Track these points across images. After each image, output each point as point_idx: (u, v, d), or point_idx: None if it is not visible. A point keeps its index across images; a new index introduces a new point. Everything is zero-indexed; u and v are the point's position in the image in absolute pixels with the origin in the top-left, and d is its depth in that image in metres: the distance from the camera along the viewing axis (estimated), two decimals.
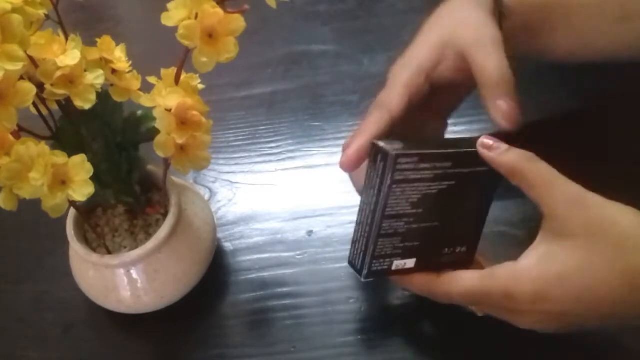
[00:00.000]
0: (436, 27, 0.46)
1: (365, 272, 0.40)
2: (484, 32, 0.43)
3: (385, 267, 0.41)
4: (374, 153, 0.39)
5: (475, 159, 0.39)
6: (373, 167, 0.39)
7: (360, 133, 0.42)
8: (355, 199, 0.53)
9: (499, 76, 0.41)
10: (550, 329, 0.38)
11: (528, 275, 0.36)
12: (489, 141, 0.39)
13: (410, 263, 0.41)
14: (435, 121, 0.48)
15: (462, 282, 0.39)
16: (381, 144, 0.38)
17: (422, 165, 0.38)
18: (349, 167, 0.41)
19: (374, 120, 0.42)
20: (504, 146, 0.38)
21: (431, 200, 0.40)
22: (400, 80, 0.44)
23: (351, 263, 0.42)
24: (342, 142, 0.57)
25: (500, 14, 0.46)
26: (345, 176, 0.55)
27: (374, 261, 0.40)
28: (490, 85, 0.41)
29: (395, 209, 0.39)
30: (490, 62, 0.41)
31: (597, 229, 0.35)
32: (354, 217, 0.52)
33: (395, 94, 0.43)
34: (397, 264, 0.41)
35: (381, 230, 0.39)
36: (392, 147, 0.38)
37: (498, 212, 0.50)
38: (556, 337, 0.39)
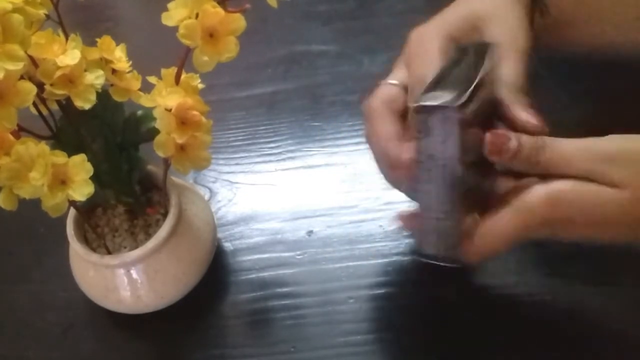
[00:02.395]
0: (473, 1, 0.44)
1: (449, 254, 0.38)
2: (517, 37, 0.41)
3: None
4: (424, 117, 0.36)
5: None
6: (427, 132, 0.36)
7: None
8: (355, 199, 0.54)
9: (518, 89, 0.40)
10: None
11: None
12: (495, 141, 0.36)
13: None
14: None
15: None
16: (427, 103, 0.35)
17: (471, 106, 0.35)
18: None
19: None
20: (511, 143, 0.36)
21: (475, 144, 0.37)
22: (433, 46, 0.41)
23: (426, 255, 0.39)
24: (342, 142, 0.58)
25: (540, 11, 0.45)
26: (345, 176, 0.55)
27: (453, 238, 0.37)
28: (511, 96, 0.40)
29: (465, 162, 0.36)
30: (514, 74, 0.40)
31: None
32: (354, 217, 0.52)
33: (432, 60, 0.40)
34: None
35: (458, 201, 0.36)
36: (441, 100, 0.35)
37: None
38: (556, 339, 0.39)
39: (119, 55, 0.40)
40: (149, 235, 0.46)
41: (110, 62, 0.39)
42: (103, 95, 0.39)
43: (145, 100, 0.38)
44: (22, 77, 0.34)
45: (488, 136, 0.36)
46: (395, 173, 0.40)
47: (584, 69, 0.50)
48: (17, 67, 0.32)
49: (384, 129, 0.40)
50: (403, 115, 0.42)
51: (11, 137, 0.35)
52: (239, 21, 0.35)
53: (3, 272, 0.53)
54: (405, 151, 0.38)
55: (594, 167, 0.35)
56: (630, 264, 0.45)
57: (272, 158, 0.58)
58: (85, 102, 0.36)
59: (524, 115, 0.38)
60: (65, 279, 0.48)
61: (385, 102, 0.42)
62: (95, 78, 0.37)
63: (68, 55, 0.36)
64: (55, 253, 0.52)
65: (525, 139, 0.36)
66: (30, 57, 0.36)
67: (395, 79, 0.43)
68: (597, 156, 0.35)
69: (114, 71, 0.39)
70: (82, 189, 0.36)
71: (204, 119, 0.37)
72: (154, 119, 0.37)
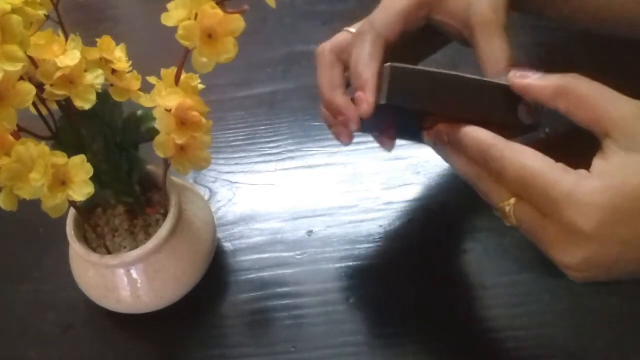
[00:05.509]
0: None
1: None
2: (498, 16, 0.41)
3: None
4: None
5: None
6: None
7: (368, 67, 0.39)
8: (355, 199, 0.54)
9: (504, 67, 0.40)
10: (597, 274, 0.32)
11: (604, 185, 0.31)
12: (521, 72, 0.35)
13: None
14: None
15: (533, 157, 0.33)
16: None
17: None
18: (369, 112, 0.38)
19: (375, 46, 0.40)
20: (538, 74, 0.35)
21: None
22: (398, 4, 0.41)
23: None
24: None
25: None
26: (345, 176, 0.55)
27: None
28: (496, 74, 0.40)
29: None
30: (497, 52, 0.40)
31: None
32: (354, 217, 0.52)
33: (391, 17, 0.41)
34: None
35: None
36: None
37: None
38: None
39: (119, 56, 0.40)
40: (149, 235, 0.46)
41: (110, 62, 0.39)
42: (103, 96, 0.39)
43: (145, 101, 0.38)
44: (21, 78, 0.34)
45: (514, 67, 0.36)
46: (343, 119, 0.41)
47: (584, 67, 0.49)
48: (17, 68, 0.32)
49: (332, 76, 0.42)
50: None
51: (11, 138, 0.35)
52: (238, 22, 0.35)
53: (3, 272, 0.53)
54: (340, 100, 0.40)
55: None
56: None
57: (272, 158, 0.58)
58: (85, 103, 0.36)
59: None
60: (65, 279, 0.48)
61: (335, 50, 0.43)
62: (95, 78, 0.37)
63: (68, 55, 0.36)
64: (55, 253, 0.52)
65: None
66: (30, 58, 0.36)
67: (355, 27, 0.43)
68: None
69: (114, 71, 0.39)
70: (82, 190, 0.36)
71: (204, 120, 0.37)
72: (154, 119, 0.37)
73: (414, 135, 0.41)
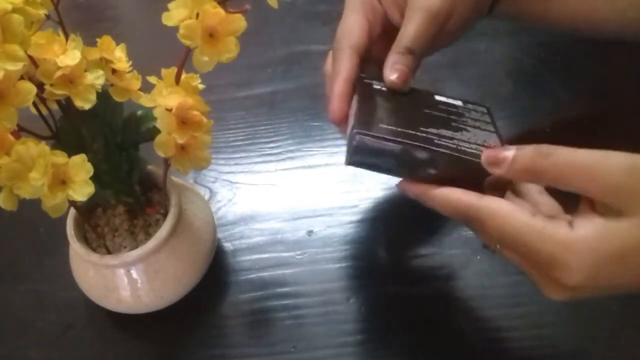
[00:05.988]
0: None
1: None
2: (431, 3, 0.42)
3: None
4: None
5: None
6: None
7: (334, 79, 0.42)
8: (355, 199, 0.54)
9: (410, 46, 0.42)
10: (582, 297, 0.34)
11: (587, 247, 0.32)
12: (492, 154, 0.34)
13: None
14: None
15: (512, 215, 0.33)
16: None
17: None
18: (340, 116, 0.41)
19: (343, 61, 0.42)
20: (508, 153, 0.34)
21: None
22: (354, 10, 0.44)
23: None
24: (342, 142, 0.58)
25: None
26: (345, 176, 0.55)
27: None
28: (399, 51, 0.42)
29: None
30: (413, 35, 0.42)
31: None
32: (354, 217, 0.52)
33: (352, 25, 0.44)
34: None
35: None
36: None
37: None
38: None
39: (119, 55, 0.40)
40: (149, 235, 0.46)
41: (110, 62, 0.39)
42: (103, 95, 0.39)
43: (145, 100, 0.38)
44: (22, 77, 0.34)
45: (485, 152, 0.35)
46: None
47: (585, 67, 0.50)
48: (17, 67, 0.32)
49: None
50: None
51: (11, 137, 0.35)
52: (239, 21, 0.35)
53: (3, 272, 0.53)
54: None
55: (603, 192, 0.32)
56: None
57: (272, 158, 0.58)
58: (85, 102, 0.36)
59: (387, 72, 0.41)
60: (65, 279, 0.48)
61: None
62: (95, 78, 0.37)
63: (68, 55, 0.36)
64: (55, 253, 0.52)
65: (528, 148, 0.33)
66: (31, 57, 0.36)
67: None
68: (605, 182, 0.32)
69: (114, 71, 0.39)
70: (82, 189, 0.36)
71: (204, 119, 0.37)
72: (154, 119, 0.37)
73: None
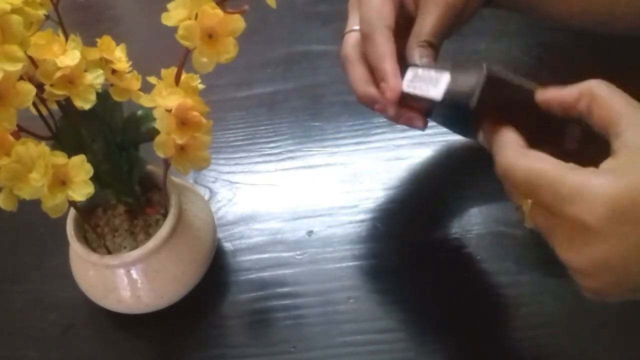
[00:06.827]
0: None
1: None
2: None
3: None
4: None
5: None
6: None
7: (383, 59, 0.43)
8: (355, 199, 0.54)
9: (430, 40, 0.43)
10: (604, 262, 0.31)
11: (611, 178, 0.31)
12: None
13: None
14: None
15: (540, 159, 0.33)
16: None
17: None
18: (398, 94, 0.42)
19: (383, 42, 0.43)
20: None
21: None
22: None
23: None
24: (342, 142, 0.58)
25: None
26: (345, 176, 0.55)
27: None
28: (421, 44, 0.43)
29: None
30: (430, 26, 0.43)
31: None
32: (354, 217, 0.52)
33: (381, 5, 0.44)
34: None
35: None
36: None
37: (498, 212, 0.50)
38: None
39: (119, 55, 0.40)
40: (149, 235, 0.46)
41: (110, 62, 0.39)
42: (103, 95, 0.39)
43: (145, 101, 0.38)
44: (21, 78, 0.34)
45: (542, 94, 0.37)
46: (379, 106, 0.44)
47: (585, 68, 0.50)
48: (17, 67, 0.32)
49: (359, 74, 0.45)
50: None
51: (11, 138, 0.35)
52: (238, 22, 0.35)
53: (3, 272, 0.53)
54: (373, 91, 0.44)
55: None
56: None
57: (272, 158, 0.58)
58: (85, 102, 0.36)
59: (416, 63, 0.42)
60: (65, 279, 0.48)
61: (355, 48, 0.46)
62: (95, 78, 0.37)
63: (68, 55, 0.36)
64: (55, 253, 0.52)
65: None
66: (30, 58, 0.36)
67: (355, 24, 0.47)
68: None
69: (114, 71, 0.39)
70: (82, 190, 0.36)
71: (204, 120, 0.37)
72: (154, 119, 0.37)
73: (464, 128, 0.45)
